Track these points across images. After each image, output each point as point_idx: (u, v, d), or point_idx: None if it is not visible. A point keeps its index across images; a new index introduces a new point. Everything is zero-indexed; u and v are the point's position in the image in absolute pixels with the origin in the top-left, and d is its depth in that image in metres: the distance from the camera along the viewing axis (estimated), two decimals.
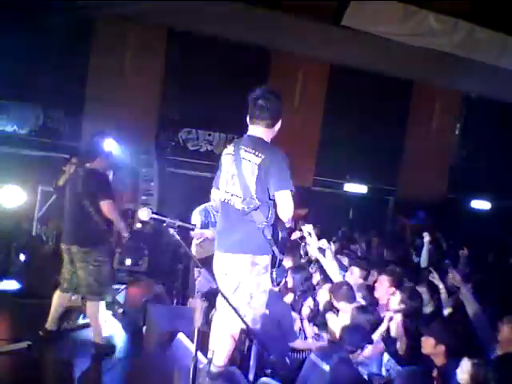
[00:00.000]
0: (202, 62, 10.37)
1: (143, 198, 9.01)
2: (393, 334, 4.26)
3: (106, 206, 4.63)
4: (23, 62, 8.89)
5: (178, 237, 2.89)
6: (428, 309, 5.00)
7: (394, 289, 4.70)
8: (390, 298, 4.59)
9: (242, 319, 2.97)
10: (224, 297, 3.01)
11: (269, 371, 4.05)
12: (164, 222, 2.92)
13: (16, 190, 7.63)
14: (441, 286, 4.96)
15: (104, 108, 9.55)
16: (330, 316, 4.74)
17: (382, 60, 10.56)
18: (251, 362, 3.61)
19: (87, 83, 10.06)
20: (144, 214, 2.90)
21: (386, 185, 12.88)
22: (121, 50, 10.12)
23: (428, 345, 3.59)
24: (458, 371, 3.10)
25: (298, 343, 4.67)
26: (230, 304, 2.95)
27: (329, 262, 5.24)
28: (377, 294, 4.92)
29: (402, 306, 4.42)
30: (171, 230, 2.89)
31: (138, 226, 8.45)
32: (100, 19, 9.89)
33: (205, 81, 10.45)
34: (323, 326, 4.79)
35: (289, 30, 9.69)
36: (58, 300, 4.87)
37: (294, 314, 4.99)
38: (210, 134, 11.21)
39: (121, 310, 5.88)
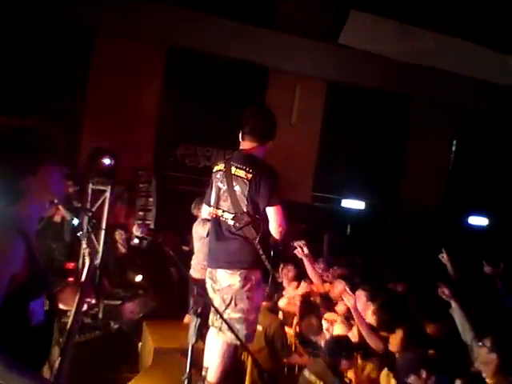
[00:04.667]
0: (199, 78, 10.43)
1: (140, 213, 8.96)
2: (393, 349, 4.24)
3: None
4: (22, 77, 8.95)
5: (171, 253, 2.90)
6: None
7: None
8: (366, 310, 4.61)
9: (235, 335, 2.97)
10: (218, 312, 3.01)
11: None
12: (159, 238, 2.94)
13: None
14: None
15: (103, 124, 9.59)
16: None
17: (378, 77, 10.66)
18: (246, 379, 3.60)
19: (86, 99, 10.11)
20: (139, 229, 2.91)
21: (383, 200, 12.88)
22: (120, 67, 10.19)
23: None
24: None
25: (293, 359, 4.66)
26: (223, 320, 2.95)
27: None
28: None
29: (374, 317, 4.44)
30: (165, 246, 2.89)
31: (136, 241, 8.42)
32: (99, 35, 9.99)
33: (203, 97, 10.49)
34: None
35: (286, 48, 9.81)
36: None
37: (289, 330, 4.99)
38: (208, 150, 11.24)
39: (116, 326, 5.86)
